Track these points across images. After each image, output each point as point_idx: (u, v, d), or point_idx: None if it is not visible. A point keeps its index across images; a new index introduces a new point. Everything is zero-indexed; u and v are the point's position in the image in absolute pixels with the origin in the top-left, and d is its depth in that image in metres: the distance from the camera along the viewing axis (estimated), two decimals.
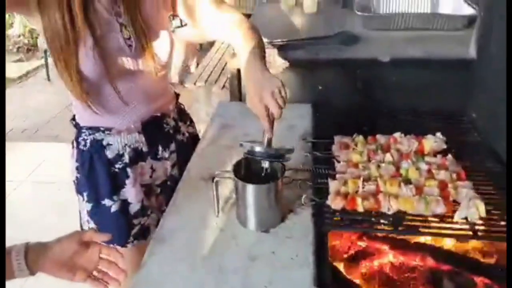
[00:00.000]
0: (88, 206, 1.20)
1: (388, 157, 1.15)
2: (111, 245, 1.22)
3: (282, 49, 1.54)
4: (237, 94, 1.59)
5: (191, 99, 3.27)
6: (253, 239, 0.92)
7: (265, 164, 0.95)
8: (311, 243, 0.91)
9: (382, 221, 0.98)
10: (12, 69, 5.01)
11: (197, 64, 4.10)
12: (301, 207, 1.01)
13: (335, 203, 0.99)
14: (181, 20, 1.37)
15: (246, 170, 0.97)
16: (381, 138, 1.24)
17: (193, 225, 0.97)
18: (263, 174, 0.94)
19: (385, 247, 1.08)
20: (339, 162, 1.15)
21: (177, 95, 1.32)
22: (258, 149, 0.92)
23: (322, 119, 1.42)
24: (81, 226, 1.26)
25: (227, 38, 1.15)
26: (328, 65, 1.56)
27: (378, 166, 1.10)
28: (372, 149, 1.18)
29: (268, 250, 0.89)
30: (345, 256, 1.24)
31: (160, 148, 1.21)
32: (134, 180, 1.18)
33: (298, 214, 0.99)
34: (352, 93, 1.54)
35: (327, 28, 1.77)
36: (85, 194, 1.19)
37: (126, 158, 1.16)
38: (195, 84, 2.96)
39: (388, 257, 1.24)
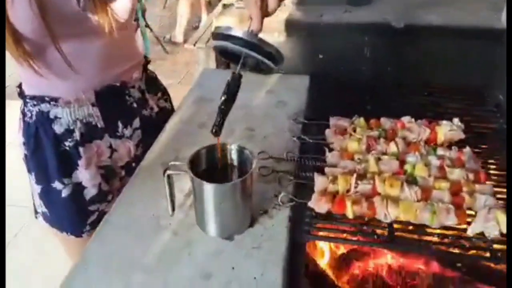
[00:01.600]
0: (38, 188, 1.03)
1: (392, 147, 0.94)
2: (66, 234, 1.07)
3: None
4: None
5: (191, 61, 3.05)
6: (211, 248, 0.74)
7: (242, 60, 0.71)
8: (282, 257, 0.72)
9: (376, 230, 0.79)
10: None
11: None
12: (277, 208, 0.82)
13: (318, 205, 0.80)
14: None
15: (211, 160, 0.78)
16: (386, 122, 1.02)
17: (142, 224, 0.79)
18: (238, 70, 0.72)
19: None
20: (331, 150, 0.95)
21: (146, 61, 1.11)
22: (237, 32, 0.68)
23: (319, 95, 1.20)
24: (35, 209, 1.10)
25: None
26: (332, 29, 1.32)
27: (379, 159, 0.90)
28: (373, 136, 0.97)
29: (227, 265, 0.71)
30: (334, 256, 1.07)
31: (120, 124, 1.02)
32: (88, 160, 1.00)
33: (272, 217, 0.80)
34: (357, 65, 1.31)
35: None
36: (33, 173, 1.02)
37: (77, 135, 0.98)
38: (194, 45, 2.71)
39: (386, 258, 1.07)
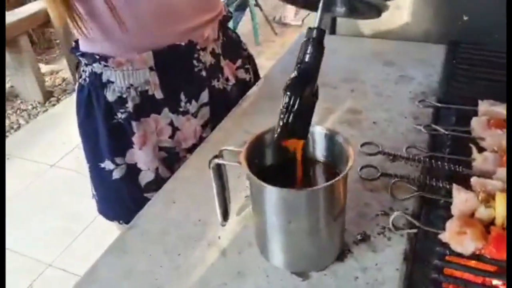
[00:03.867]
0: (87, 166, 0.86)
1: None
2: (117, 222, 0.89)
3: None
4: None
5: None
6: (272, 287, 0.47)
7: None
8: None
9: None
10: None
11: None
12: (385, 235, 0.51)
13: (458, 240, 0.47)
14: None
15: (282, 151, 0.50)
16: None
17: (181, 232, 0.55)
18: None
19: None
20: (481, 151, 0.60)
21: (225, 17, 0.86)
22: None
23: (460, 69, 0.83)
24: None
25: None
26: None
27: None
28: None
29: None
30: None
31: (182, 96, 0.80)
32: (143, 138, 0.80)
33: (376, 250, 0.50)
34: None
35: None
36: (83, 148, 0.86)
37: (130, 106, 0.78)
38: (303, 21, 2.43)
39: None
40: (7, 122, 2.66)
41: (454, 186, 0.52)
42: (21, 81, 2.77)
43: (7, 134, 2.56)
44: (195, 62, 0.79)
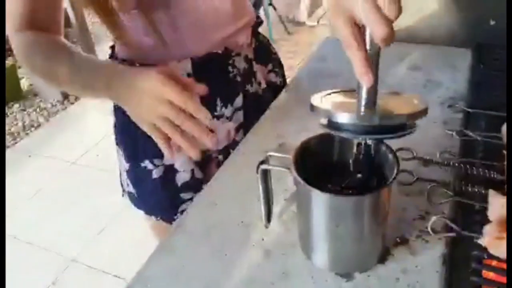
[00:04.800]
0: (126, 165, 0.89)
1: None
2: (154, 218, 0.93)
3: None
4: None
5: (315, 42, 2.79)
6: (317, 287, 0.49)
7: (359, 145, 0.48)
8: None
9: None
10: None
11: None
12: (423, 239, 0.53)
13: (496, 244, 0.49)
14: None
15: (326, 157, 0.52)
16: None
17: (225, 234, 0.58)
18: (353, 167, 0.49)
19: None
20: None
21: (257, 23, 0.89)
22: (343, 117, 0.43)
23: (488, 75, 0.85)
24: (121, 184, 0.98)
25: None
26: None
27: None
28: None
29: None
30: None
31: (219, 101, 0.82)
32: None
33: (415, 253, 0.52)
34: None
35: None
36: (122, 148, 0.89)
37: None
38: (318, 22, 2.44)
39: None
40: (27, 120, 2.72)
41: (490, 191, 0.54)
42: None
43: (27, 132, 2.61)
44: (230, 68, 0.82)
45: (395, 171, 0.45)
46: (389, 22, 0.39)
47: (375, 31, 0.39)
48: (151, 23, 0.72)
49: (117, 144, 0.91)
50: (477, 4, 0.97)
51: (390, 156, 0.48)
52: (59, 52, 0.70)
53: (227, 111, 0.83)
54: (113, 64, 0.62)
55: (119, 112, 0.85)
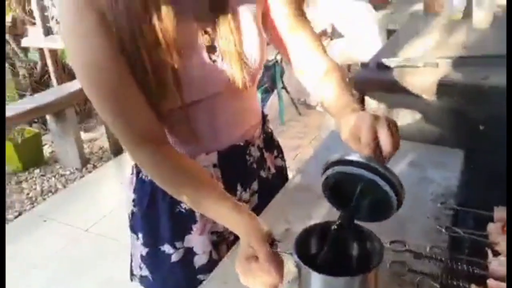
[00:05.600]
0: (143, 251, 0.94)
1: None
2: None
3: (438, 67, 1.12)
4: None
5: (323, 124, 2.95)
6: None
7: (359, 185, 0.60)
8: None
9: None
10: None
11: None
12: None
13: None
14: None
15: (323, 243, 0.60)
16: None
17: None
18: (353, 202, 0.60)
19: None
20: (496, 255, 0.68)
21: (264, 116, 1.00)
22: (354, 157, 0.58)
23: (478, 175, 0.94)
24: (131, 270, 1.01)
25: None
26: (500, 94, 1.06)
27: None
28: None
29: None
30: None
31: (239, 187, 0.91)
32: (203, 226, 0.89)
33: None
34: None
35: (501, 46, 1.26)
36: (140, 235, 0.94)
37: None
38: None
39: None
40: (46, 185, 2.83)
41: (473, 287, 0.61)
42: (63, 148, 2.98)
43: (45, 197, 2.71)
44: (247, 157, 0.92)
45: (378, 261, 0.53)
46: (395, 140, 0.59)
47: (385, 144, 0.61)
48: (191, 126, 0.82)
49: (132, 230, 0.96)
50: (468, 109, 1.09)
51: (378, 245, 0.56)
52: (205, 189, 0.75)
53: (246, 195, 0.92)
54: (251, 223, 0.69)
55: (143, 201, 0.91)
